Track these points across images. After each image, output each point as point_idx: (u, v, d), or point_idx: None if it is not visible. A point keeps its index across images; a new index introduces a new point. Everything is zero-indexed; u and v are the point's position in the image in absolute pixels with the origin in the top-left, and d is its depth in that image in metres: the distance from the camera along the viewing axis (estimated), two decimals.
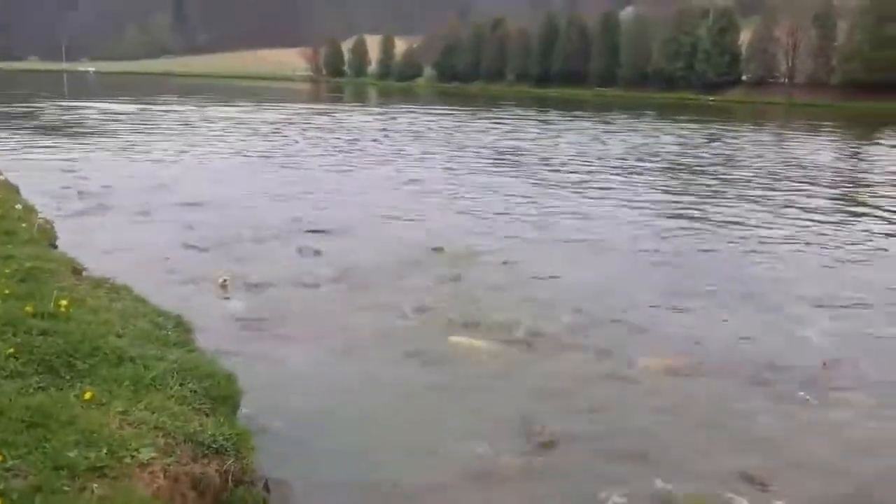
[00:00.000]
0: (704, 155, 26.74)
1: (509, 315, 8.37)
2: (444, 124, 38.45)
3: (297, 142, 27.99)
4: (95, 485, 3.74)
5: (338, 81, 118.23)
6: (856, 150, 30.39)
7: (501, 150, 26.06)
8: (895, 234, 14.05)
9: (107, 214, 13.25)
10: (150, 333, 5.95)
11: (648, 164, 23.17)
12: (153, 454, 4.15)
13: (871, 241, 13.24)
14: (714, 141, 32.34)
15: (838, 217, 15.45)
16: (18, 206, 9.03)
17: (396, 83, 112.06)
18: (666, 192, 18.26)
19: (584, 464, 5.30)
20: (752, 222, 14.63)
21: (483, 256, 11.05)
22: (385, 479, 5.06)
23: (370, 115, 46.38)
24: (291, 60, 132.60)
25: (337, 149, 25.94)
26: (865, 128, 43.18)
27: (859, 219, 15.36)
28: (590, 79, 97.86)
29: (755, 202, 16.97)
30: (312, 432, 5.62)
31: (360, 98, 78.71)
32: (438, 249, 11.18)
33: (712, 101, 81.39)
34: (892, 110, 59.11)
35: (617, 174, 20.84)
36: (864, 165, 25.25)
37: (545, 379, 6.84)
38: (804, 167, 23.75)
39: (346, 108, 56.27)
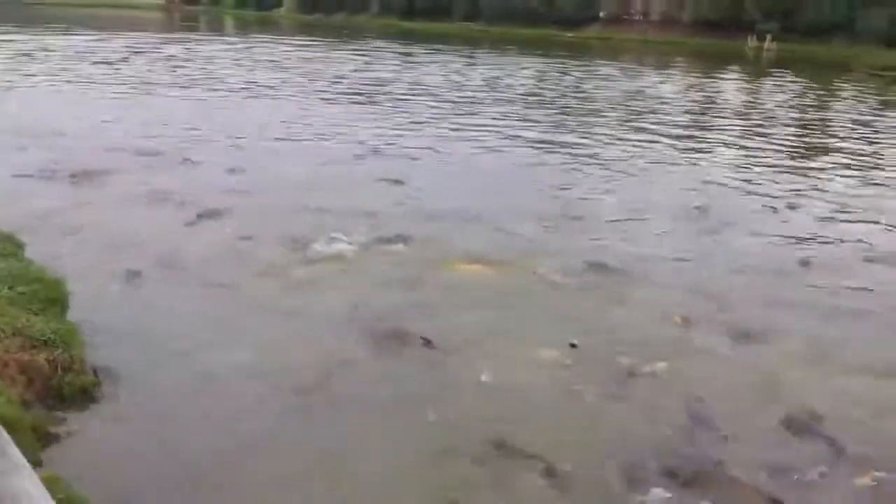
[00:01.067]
0: (552, 87, 27.96)
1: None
2: (304, 55, 37.99)
3: (140, 71, 27.03)
4: None
5: (192, 10, 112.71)
6: (691, 82, 32.43)
7: (352, 84, 26.19)
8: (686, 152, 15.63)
9: None
10: None
11: (497, 95, 24.05)
12: None
13: (674, 162, 14.66)
14: (564, 74, 33.70)
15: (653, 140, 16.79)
16: None
17: (254, 13, 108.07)
18: (506, 118, 19.13)
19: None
20: (581, 145, 15.82)
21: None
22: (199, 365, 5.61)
23: (219, 45, 44.90)
24: None
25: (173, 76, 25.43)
26: (707, 63, 45.74)
27: (677, 141, 16.83)
28: (455, 13, 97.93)
29: (588, 128, 18.23)
30: (139, 328, 6.11)
31: (215, 28, 75.73)
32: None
33: (570, 36, 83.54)
34: (735, 48, 62.71)
35: (464, 103, 21.55)
36: (694, 96, 27.14)
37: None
38: (639, 99, 25.36)
39: (198, 37, 54.21)
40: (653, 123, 19.30)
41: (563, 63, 39.62)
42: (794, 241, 9.79)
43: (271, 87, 23.43)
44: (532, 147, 15.45)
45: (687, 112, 22.81)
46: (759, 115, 22.81)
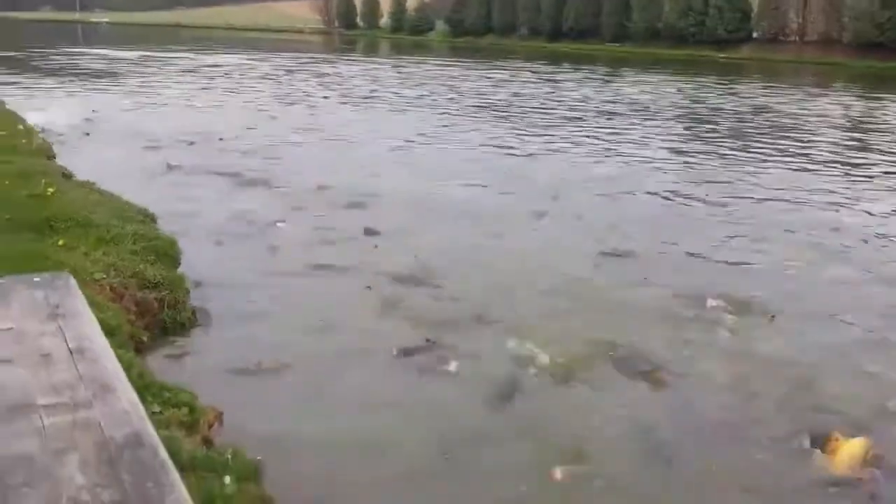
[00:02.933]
0: (695, 106, 27.80)
1: None
2: (451, 73, 39.93)
3: (293, 86, 29.42)
4: None
5: (350, 34, 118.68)
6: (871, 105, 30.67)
7: (490, 98, 27.28)
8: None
9: (101, 141, 14.78)
10: (116, 213, 7.63)
11: (625, 111, 24.36)
12: (103, 276, 5.83)
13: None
14: (705, 91, 33.38)
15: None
16: (21, 127, 10.68)
17: (408, 37, 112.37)
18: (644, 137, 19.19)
19: None
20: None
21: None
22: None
23: (378, 65, 47.56)
24: (302, 13, 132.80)
25: (320, 90, 27.47)
26: (864, 85, 43.47)
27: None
28: (602, 34, 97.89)
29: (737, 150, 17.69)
30: (237, 283, 7.30)
31: (371, 50, 79.53)
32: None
33: (722, 57, 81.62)
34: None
35: (582, 118, 22.08)
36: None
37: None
38: (766, 116, 24.92)
39: (356, 58, 57.46)
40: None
41: (728, 83, 38.78)
42: None
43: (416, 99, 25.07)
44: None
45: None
46: None
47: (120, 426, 1.83)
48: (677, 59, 71.54)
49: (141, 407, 1.98)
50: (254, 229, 9.26)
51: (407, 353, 5.90)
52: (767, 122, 23.34)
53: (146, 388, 4.17)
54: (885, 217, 11.33)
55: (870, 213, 11.50)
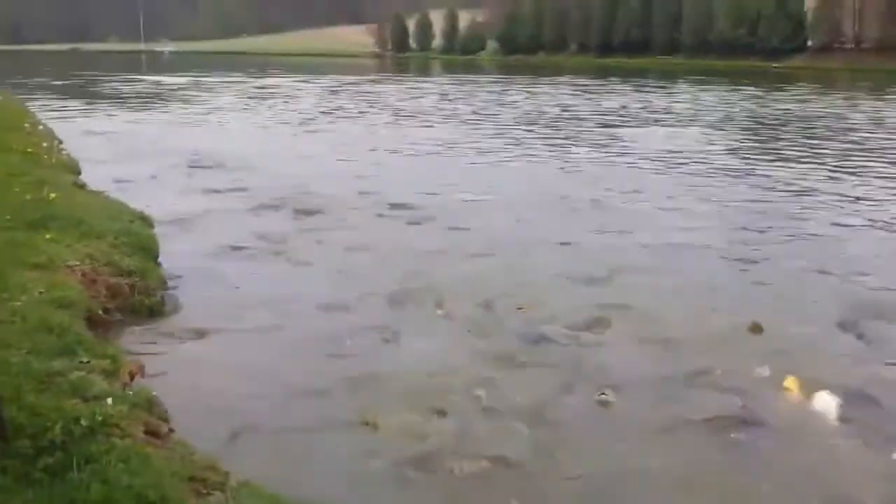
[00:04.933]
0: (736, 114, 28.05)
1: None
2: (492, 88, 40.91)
3: (339, 106, 30.57)
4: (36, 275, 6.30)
5: (403, 56, 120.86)
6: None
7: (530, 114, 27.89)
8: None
9: (135, 159, 15.93)
10: (109, 215, 8.58)
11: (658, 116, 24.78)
12: (77, 263, 6.72)
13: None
14: (749, 101, 33.42)
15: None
16: (46, 144, 11.83)
17: (460, 57, 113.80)
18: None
19: None
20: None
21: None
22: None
23: (418, 84, 48.75)
24: (359, 38, 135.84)
25: (360, 108, 28.51)
26: None
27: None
28: (652, 48, 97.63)
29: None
30: (211, 274, 8.13)
31: (422, 71, 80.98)
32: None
33: (776, 67, 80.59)
34: None
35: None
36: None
37: None
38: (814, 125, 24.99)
39: (402, 78, 58.89)
40: None
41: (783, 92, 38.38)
42: None
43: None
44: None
45: None
46: None
47: None
48: (730, 70, 71.03)
49: None
50: (263, 244, 9.85)
51: None
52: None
53: (79, 344, 4.98)
54: None
55: None
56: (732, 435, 5.04)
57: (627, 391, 5.60)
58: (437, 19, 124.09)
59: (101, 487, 3.29)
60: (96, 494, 3.23)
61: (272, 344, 6.48)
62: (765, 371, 5.90)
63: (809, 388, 5.57)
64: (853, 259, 9.32)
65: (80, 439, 3.69)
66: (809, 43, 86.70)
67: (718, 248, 9.81)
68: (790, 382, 5.67)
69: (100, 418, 3.88)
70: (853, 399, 5.45)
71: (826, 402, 5.37)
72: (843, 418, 5.24)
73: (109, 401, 4.07)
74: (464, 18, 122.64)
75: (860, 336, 6.85)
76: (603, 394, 5.52)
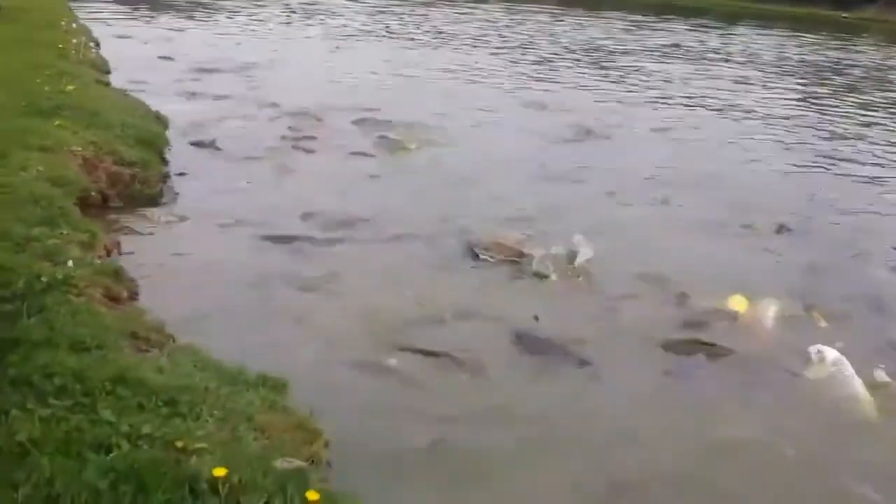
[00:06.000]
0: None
1: None
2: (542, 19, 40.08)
3: (379, 26, 30.39)
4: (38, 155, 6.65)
5: None
6: None
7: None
8: None
9: (165, 65, 16.14)
10: (122, 109, 8.90)
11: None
12: (80, 149, 7.06)
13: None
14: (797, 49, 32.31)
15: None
16: (74, 41, 12.14)
17: None
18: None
19: None
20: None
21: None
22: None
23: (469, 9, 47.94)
24: None
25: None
26: None
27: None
28: None
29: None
30: (214, 174, 8.46)
31: None
32: None
33: (845, 17, 77.37)
34: None
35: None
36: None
37: None
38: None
39: (455, 3, 58.04)
40: None
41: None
42: None
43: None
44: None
45: None
46: None
47: None
48: (798, 16, 68.25)
49: None
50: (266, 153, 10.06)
51: None
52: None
53: (62, 217, 5.34)
54: None
55: None
56: None
57: None
58: None
59: (45, 331, 3.64)
60: (38, 335, 3.58)
61: (251, 240, 6.77)
62: None
63: None
64: None
65: (38, 293, 4.05)
66: None
67: None
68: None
69: (60, 276, 4.22)
70: None
71: None
72: None
73: (70, 262, 4.40)
74: None
75: None
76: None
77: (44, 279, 4.15)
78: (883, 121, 16.04)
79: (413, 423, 4.28)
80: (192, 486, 2.71)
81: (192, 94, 12.95)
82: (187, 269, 5.87)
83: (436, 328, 5.42)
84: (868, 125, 15.44)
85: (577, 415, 4.62)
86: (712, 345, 5.46)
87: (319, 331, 5.21)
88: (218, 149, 9.56)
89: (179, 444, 2.96)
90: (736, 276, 6.73)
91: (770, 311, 5.96)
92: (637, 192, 9.28)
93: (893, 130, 14.94)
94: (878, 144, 13.49)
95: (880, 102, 18.62)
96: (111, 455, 2.80)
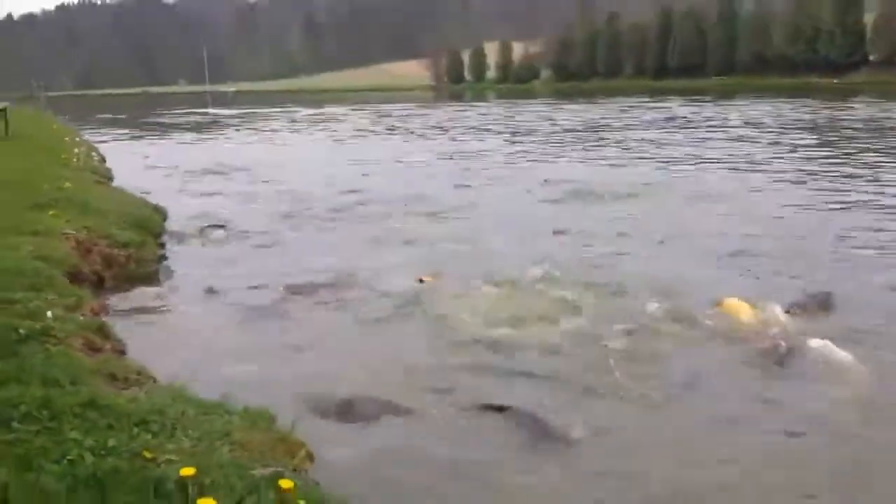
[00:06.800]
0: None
1: None
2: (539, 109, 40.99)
3: (382, 127, 31.13)
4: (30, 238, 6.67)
5: (458, 87, 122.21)
6: None
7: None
8: None
9: (172, 171, 16.50)
10: (120, 202, 9.00)
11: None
12: (73, 232, 7.09)
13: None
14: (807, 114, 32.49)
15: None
16: (76, 151, 12.46)
17: (513, 85, 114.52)
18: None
19: None
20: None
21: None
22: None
23: (468, 108, 49.21)
24: (416, 72, 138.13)
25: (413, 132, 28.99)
26: None
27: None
28: (708, 68, 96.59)
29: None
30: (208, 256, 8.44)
31: (475, 98, 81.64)
32: None
33: (836, 83, 78.81)
34: None
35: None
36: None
37: None
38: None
39: (454, 105, 59.57)
40: None
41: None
42: None
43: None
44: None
45: None
46: None
47: None
48: (790, 87, 69.49)
49: None
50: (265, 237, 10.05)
51: None
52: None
53: (49, 286, 5.29)
54: None
55: None
56: None
57: None
58: (492, 51, 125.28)
59: (14, 370, 3.50)
60: (6, 375, 3.45)
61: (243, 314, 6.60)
62: None
63: None
64: None
65: (13, 343, 3.94)
66: (871, 57, 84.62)
67: None
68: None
69: (38, 328, 4.12)
70: None
71: None
72: None
73: (49, 314, 4.31)
74: (517, 49, 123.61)
75: None
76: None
77: (21, 331, 4.06)
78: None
79: None
80: (157, 487, 2.53)
81: (194, 192, 13.19)
82: (175, 333, 5.74)
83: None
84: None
85: None
86: None
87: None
88: (216, 230, 9.62)
89: (148, 454, 2.79)
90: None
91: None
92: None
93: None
94: None
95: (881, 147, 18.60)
96: (72, 464, 2.63)
